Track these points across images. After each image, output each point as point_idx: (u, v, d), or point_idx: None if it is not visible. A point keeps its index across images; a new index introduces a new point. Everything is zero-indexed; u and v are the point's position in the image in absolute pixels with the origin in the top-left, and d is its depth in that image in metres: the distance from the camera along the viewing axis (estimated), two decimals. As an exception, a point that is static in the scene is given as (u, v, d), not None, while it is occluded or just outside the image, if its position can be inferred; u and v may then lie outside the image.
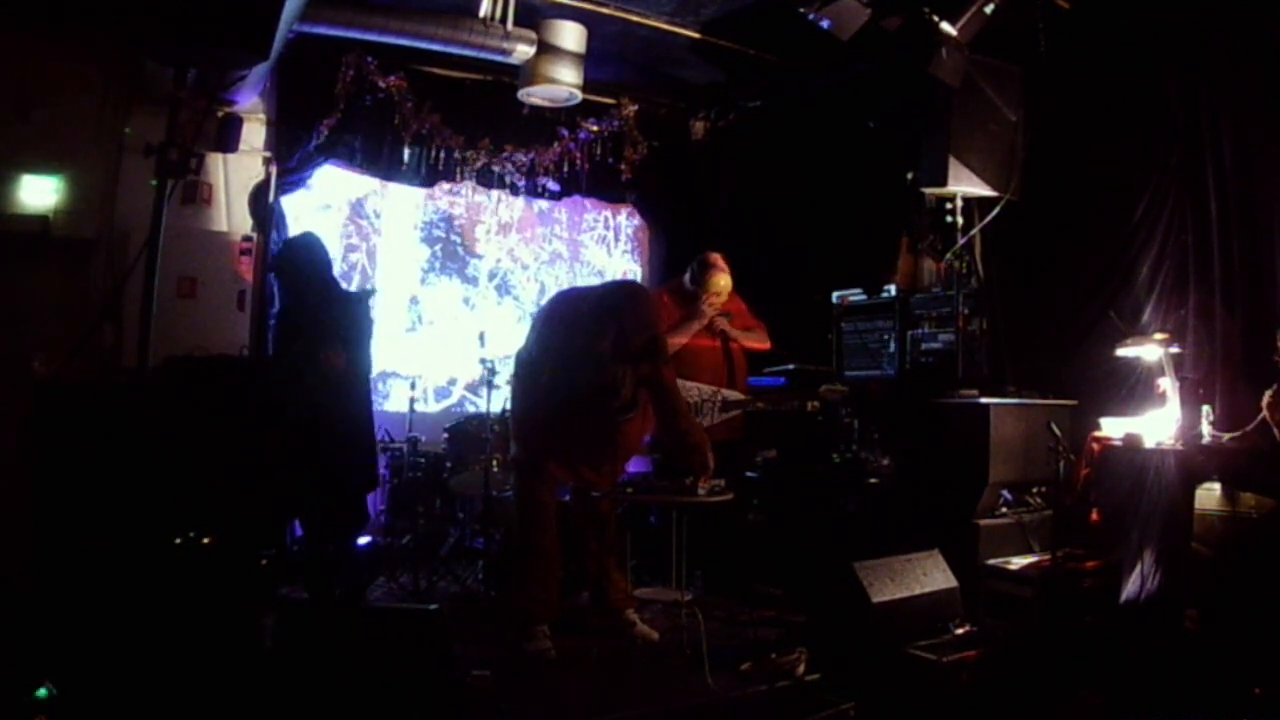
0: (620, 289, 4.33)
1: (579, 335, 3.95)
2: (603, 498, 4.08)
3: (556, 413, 4.01)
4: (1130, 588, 4.00)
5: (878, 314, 5.33)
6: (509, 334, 6.69)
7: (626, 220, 7.40)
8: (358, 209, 6.35)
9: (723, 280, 4.89)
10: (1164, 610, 3.88)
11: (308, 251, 4.39)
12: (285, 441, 3.94)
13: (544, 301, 4.39)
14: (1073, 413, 4.64)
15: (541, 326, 4.21)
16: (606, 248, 7.35)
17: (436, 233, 6.63)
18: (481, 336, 5.54)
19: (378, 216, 6.41)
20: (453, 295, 6.69)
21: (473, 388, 6.58)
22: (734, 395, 4.87)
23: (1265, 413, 3.79)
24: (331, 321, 4.22)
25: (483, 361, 5.29)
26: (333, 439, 4.16)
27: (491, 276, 6.84)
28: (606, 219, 7.32)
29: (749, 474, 4.92)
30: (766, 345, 5.21)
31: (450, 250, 6.68)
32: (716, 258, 4.95)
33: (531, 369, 4.14)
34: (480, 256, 6.80)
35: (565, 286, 7.04)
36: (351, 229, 6.32)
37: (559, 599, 4.13)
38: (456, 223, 6.68)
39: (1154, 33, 4.69)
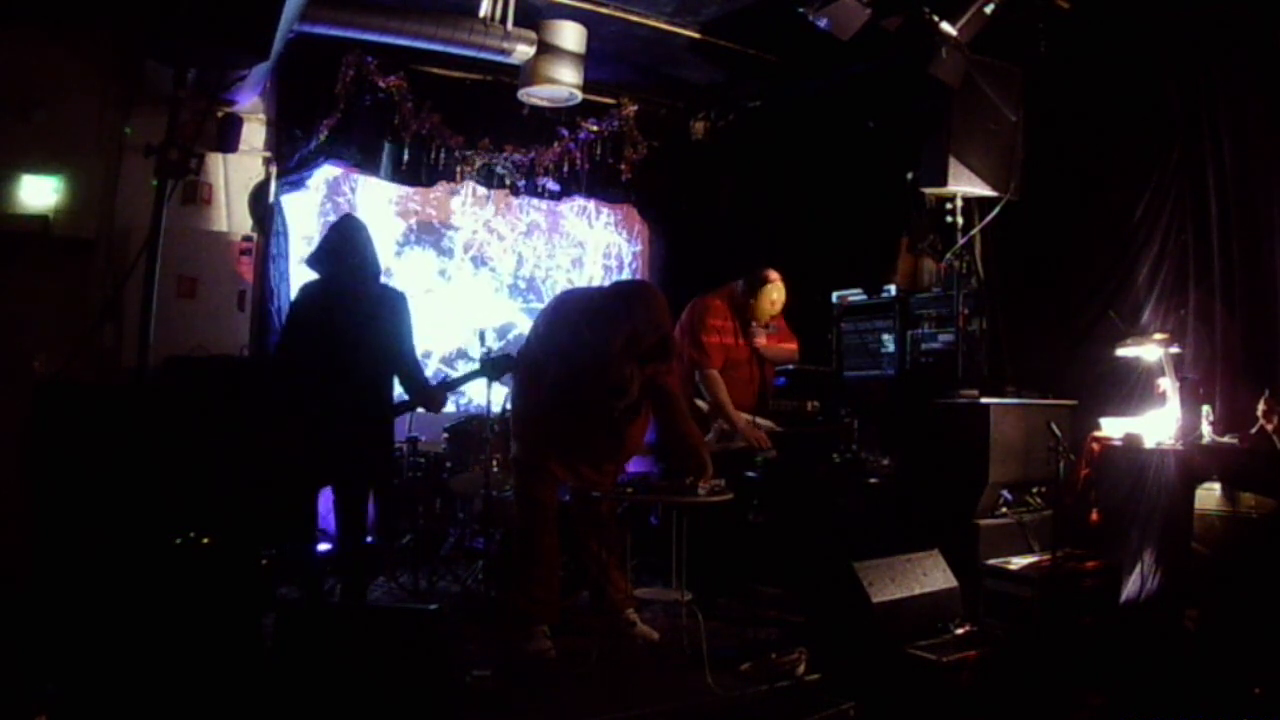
0: (632, 289, 4.33)
1: (588, 335, 3.94)
2: (603, 498, 4.07)
3: (561, 412, 4.01)
4: (1130, 588, 4.01)
5: (878, 314, 5.33)
6: (487, 305, 6.77)
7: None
8: (334, 187, 6.30)
9: (776, 294, 5.02)
10: (1164, 610, 3.89)
11: (352, 233, 4.09)
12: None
13: (548, 302, 4.36)
14: (1073, 413, 4.64)
15: (546, 326, 4.20)
16: (588, 219, 7.25)
17: (412, 205, 6.55)
18: (481, 335, 5.55)
19: (353, 192, 6.35)
20: (427, 267, 6.64)
21: (448, 360, 6.60)
22: (767, 424, 4.91)
23: (1261, 420, 3.79)
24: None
25: (483, 360, 5.28)
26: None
27: (467, 248, 6.78)
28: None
29: (749, 474, 4.92)
30: (793, 359, 5.35)
31: (425, 223, 6.63)
32: (773, 273, 5.05)
33: (534, 369, 4.13)
34: (456, 228, 6.74)
35: (544, 259, 7.04)
36: (329, 206, 6.26)
37: (559, 600, 4.13)
38: (432, 195, 6.57)
39: (1154, 33, 4.69)
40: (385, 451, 4.20)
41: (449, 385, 4.32)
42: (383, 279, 4.28)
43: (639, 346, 3.87)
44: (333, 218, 6.15)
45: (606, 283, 7.03)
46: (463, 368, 6.48)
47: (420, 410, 4.44)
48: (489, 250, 6.85)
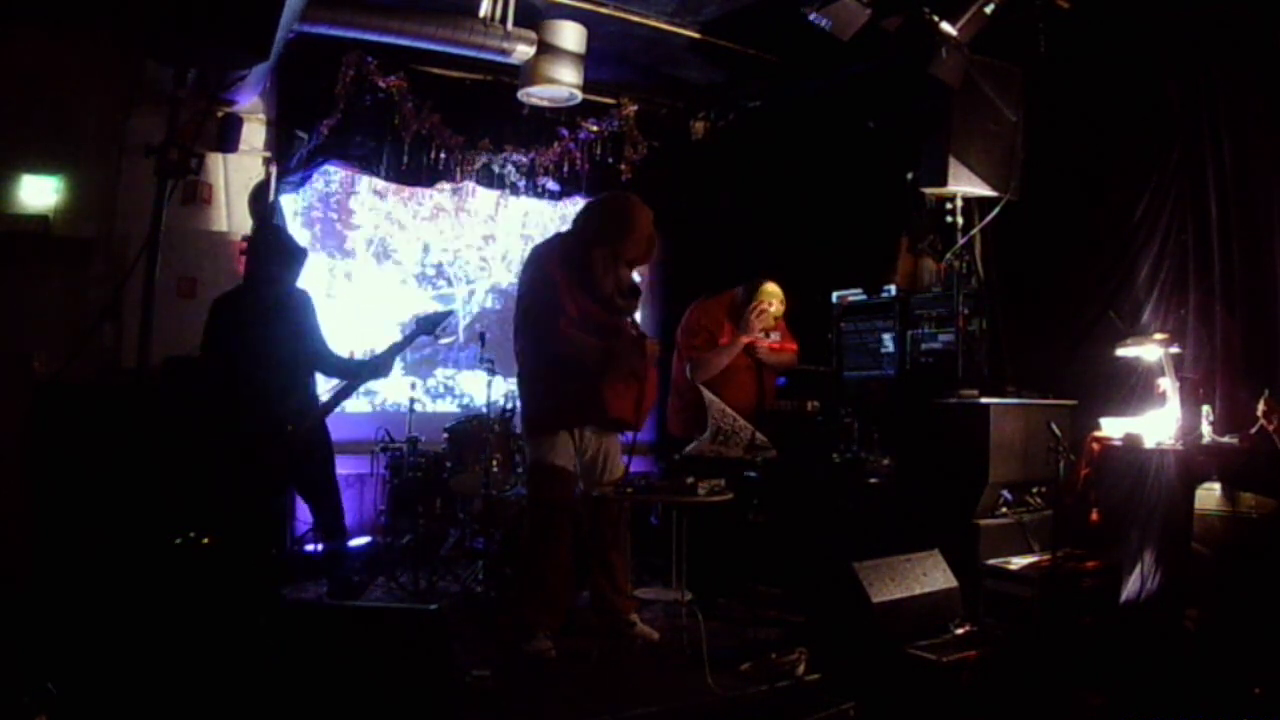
0: (599, 204, 4.25)
1: (597, 265, 3.96)
2: (604, 499, 4.06)
3: (575, 359, 3.94)
4: (1130, 588, 4.00)
5: (878, 314, 5.33)
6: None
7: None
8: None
9: (775, 302, 5.01)
10: (1164, 610, 3.88)
11: (256, 244, 4.43)
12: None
13: (523, 271, 4.23)
14: (1073, 413, 4.64)
15: (541, 288, 4.04)
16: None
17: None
18: (482, 337, 5.55)
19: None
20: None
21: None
22: (763, 441, 4.90)
23: (1262, 420, 3.79)
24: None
25: (483, 360, 5.30)
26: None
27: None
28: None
29: (749, 474, 4.92)
30: (793, 365, 5.32)
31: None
32: (771, 283, 5.06)
33: (529, 345, 4.07)
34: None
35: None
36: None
37: (565, 606, 4.10)
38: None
39: (1154, 33, 4.69)
40: (324, 445, 4.30)
41: (394, 350, 4.34)
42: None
43: (638, 246, 4.02)
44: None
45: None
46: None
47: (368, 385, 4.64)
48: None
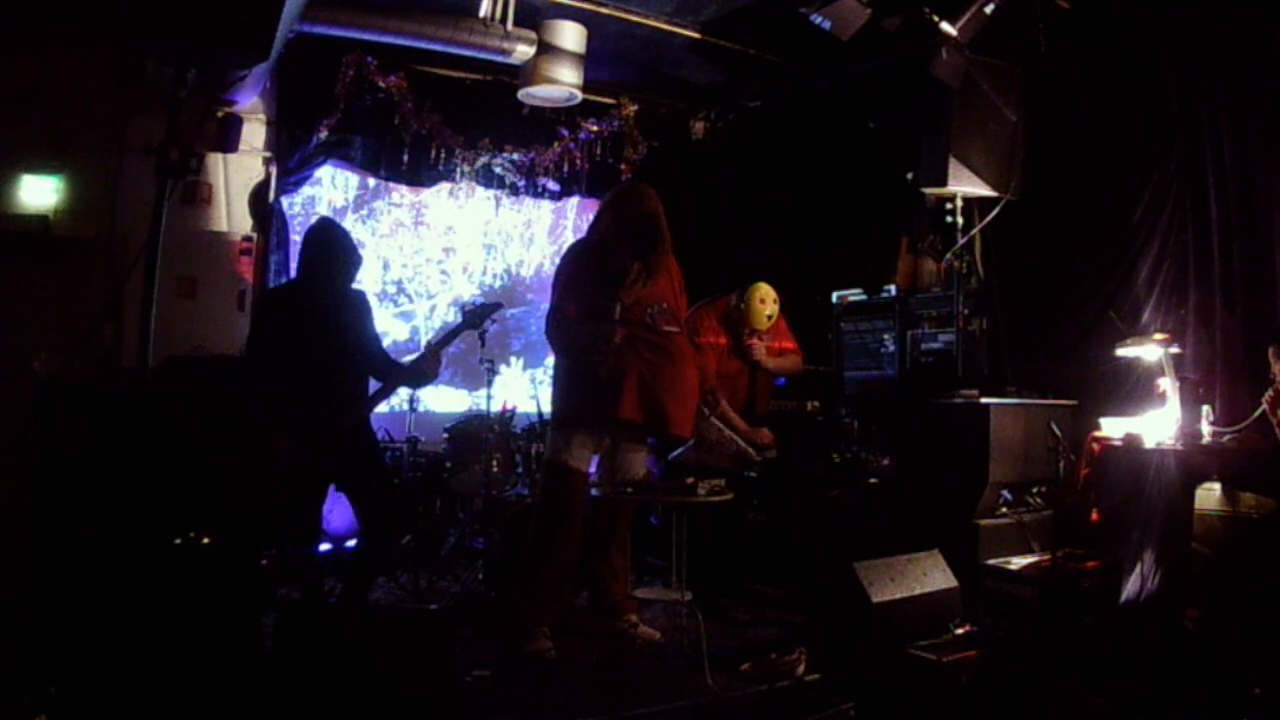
0: (611, 192, 4.47)
1: (619, 260, 4.09)
2: (605, 499, 4.06)
3: (582, 348, 3.95)
4: (1130, 588, 4.01)
5: (878, 314, 5.33)
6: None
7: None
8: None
9: (770, 303, 4.95)
10: (1164, 610, 3.88)
11: (321, 237, 4.09)
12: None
13: (560, 270, 4.29)
14: (1073, 413, 4.64)
15: (560, 279, 4.21)
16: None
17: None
18: (482, 337, 5.54)
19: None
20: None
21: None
22: (750, 452, 4.87)
23: (1265, 407, 3.79)
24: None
25: (482, 360, 5.30)
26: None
27: None
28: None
29: (749, 474, 4.91)
30: (798, 369, 5.23)
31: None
32: (762, 284, 4.98)
33: (555, 324, 4.10)
34: None
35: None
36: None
37: (564, 604, 4.10)
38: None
39: (1154, 33, 4.69)
40: (370, 444, 4.15)
41: (438, 347, 4.11)
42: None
43: (631, 233, 4.15)
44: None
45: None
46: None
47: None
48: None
